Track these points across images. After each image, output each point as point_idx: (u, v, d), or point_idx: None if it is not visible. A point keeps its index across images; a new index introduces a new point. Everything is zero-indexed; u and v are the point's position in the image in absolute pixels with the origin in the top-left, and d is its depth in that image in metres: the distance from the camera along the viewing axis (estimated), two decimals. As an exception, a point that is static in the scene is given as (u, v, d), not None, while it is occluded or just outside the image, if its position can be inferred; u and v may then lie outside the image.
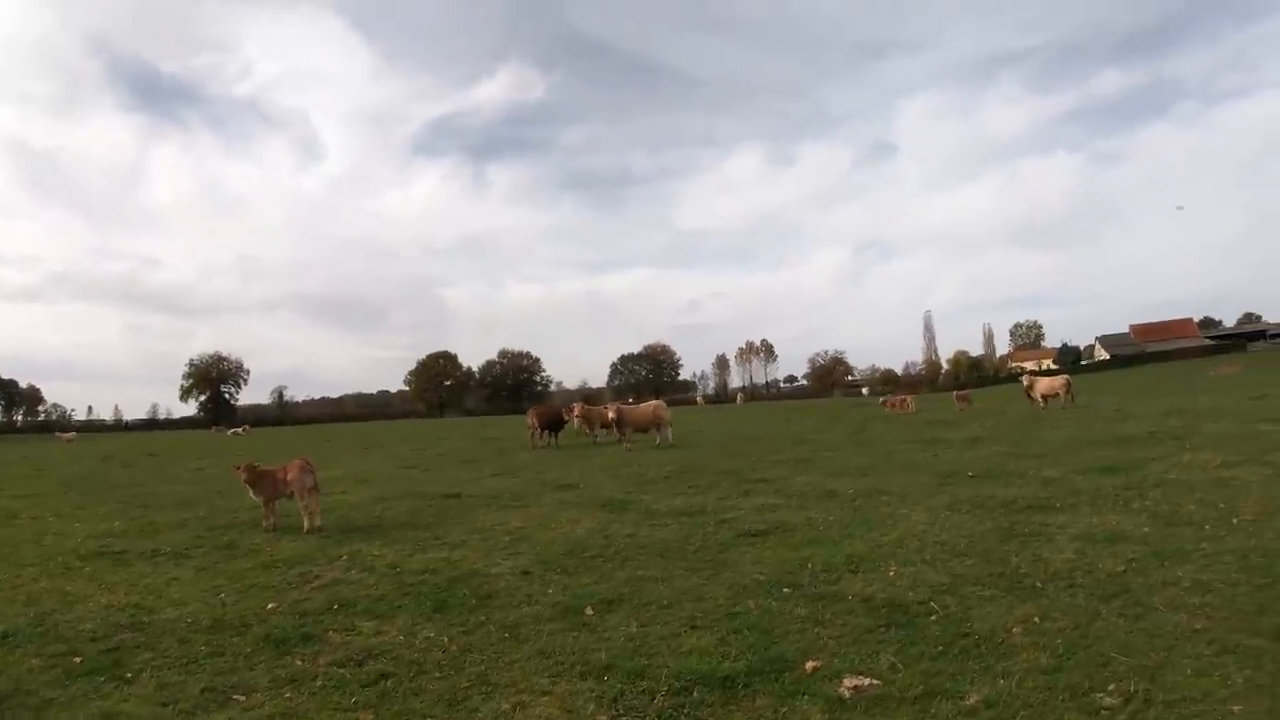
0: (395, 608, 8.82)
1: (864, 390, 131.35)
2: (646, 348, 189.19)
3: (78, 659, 7.51)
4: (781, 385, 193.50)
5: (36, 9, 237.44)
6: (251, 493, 14.47)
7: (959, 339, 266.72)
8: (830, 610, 7.85)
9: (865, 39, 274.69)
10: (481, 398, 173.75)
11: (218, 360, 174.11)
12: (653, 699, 6.03)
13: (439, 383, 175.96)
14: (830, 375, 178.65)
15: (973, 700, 5.63)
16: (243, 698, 6.45)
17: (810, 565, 9.62)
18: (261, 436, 78.58)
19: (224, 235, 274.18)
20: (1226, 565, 8.46)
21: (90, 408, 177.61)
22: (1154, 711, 5.32)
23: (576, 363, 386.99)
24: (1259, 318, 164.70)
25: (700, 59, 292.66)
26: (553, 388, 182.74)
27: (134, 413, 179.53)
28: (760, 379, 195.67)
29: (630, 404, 36.81)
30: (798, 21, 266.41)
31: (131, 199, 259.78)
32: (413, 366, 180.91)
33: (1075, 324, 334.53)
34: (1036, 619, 7.17)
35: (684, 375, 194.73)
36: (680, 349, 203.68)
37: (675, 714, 5.81)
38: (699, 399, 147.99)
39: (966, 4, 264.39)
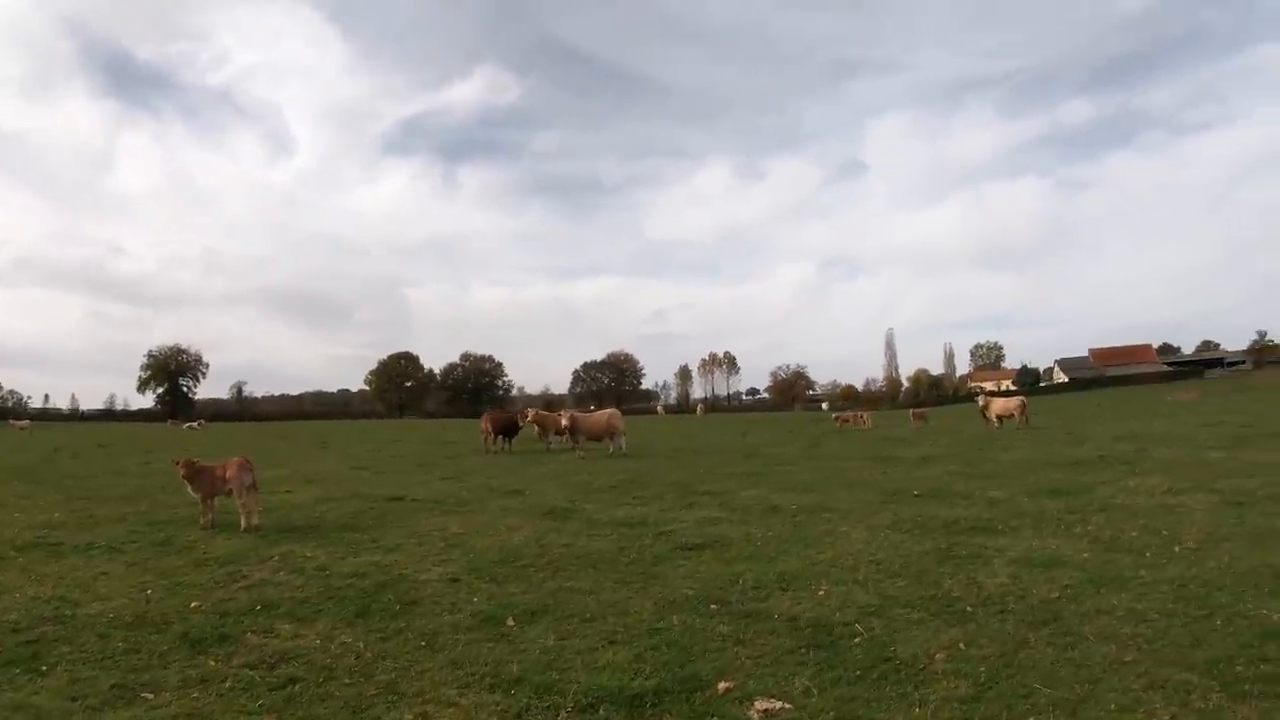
0: (317, 611, 8.70)
1: (824, 405, 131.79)
2: (610, 356, 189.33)
3: (-3, 649, 7.41)
4: (743, 398, 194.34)
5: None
6: (190, 489, 14.28)
7: (920, 358, 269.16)
8: (754, 629, 7.70)
9: (838, 57, 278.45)
10: (442, 400, 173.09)
11: (177, 352, 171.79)
12: (557, 715, 5.90)
13: (400, 384, 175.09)
14: (792, 389, 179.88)
15: (884, 729, 5.47)
16: (151, 696, 6.36)
17: (741, 581, 9.49)
18: (217, 432, 77.77)
19: (190, 226, 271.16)
20: (1163, 594, 8.34)
21: (47, 396, 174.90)
22: (1069, 747, 5.18)
23: (539, 369, 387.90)
24: (1217, 345, 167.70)
25: (675, 70, 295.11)
26: (515, 393, 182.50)
27: (91, 403, 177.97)
28: (722, 391, 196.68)
29: (592, 411, 36.59)
30: (773, 38, 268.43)
31: (99, 185, 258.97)
32: (374, 366, 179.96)
33: (1035, 346, 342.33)
34: (962, 645, 7.01)
35: (646, 385, 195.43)
36: (644, 358, 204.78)
37: (578, 732, 5.63)
38: (660, 409, 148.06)
39: (940, 28, 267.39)
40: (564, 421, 31.07)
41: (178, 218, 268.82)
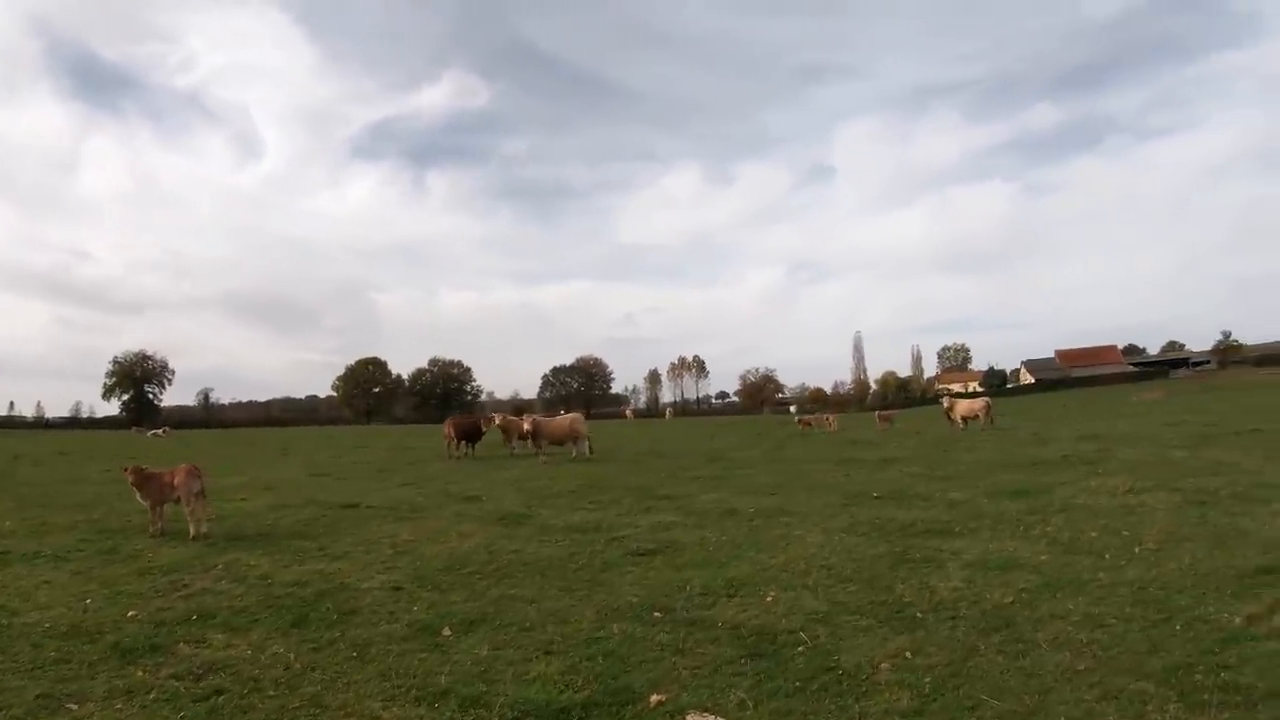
0: (253, 621, 8.50)
1: (792, 409, 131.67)
2: (579, 360, 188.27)
3: (-68, 660, 7.31)
4: (712, 401, 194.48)
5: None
6: (138, 495, 13.94)
7: (888, 360, 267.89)
8: (695, 638, 7.46)
9: (806, 63, 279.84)
10: (410, 406, 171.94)
11: (142, 359, 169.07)
12: (480, 729, 5.63)
13: (367, 389, 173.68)
14: (760, 393, 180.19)
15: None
16: (75, 706, 6.22)
17: (689, 588, 9.26)
18: (181, 439, 76.77)
19: (156, 230, 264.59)
20: (1121, 599, 8.13)
21: (12, 403, 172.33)
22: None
23: (509, 373, 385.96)
24: (1182, 346, 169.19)
25: (644, 75, 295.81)
26: (483, 398, 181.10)
27: (56, 410, 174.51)
28: (691, 395, 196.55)
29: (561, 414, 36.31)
30: (741, 43, 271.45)
31: (64, 188, 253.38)
32: (341, 372, 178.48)
33: (1002, 348, 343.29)
34: (909, 654, 6.76)
35: (616, 389, 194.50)
36: (613, 362, 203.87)
37: (501, 746, 5.41)
38: (628, 413, 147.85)
39: (907, 34, 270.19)
40: (526, 426, 30.78)
41: (143, 221, 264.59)
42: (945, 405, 42.24)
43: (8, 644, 7.73)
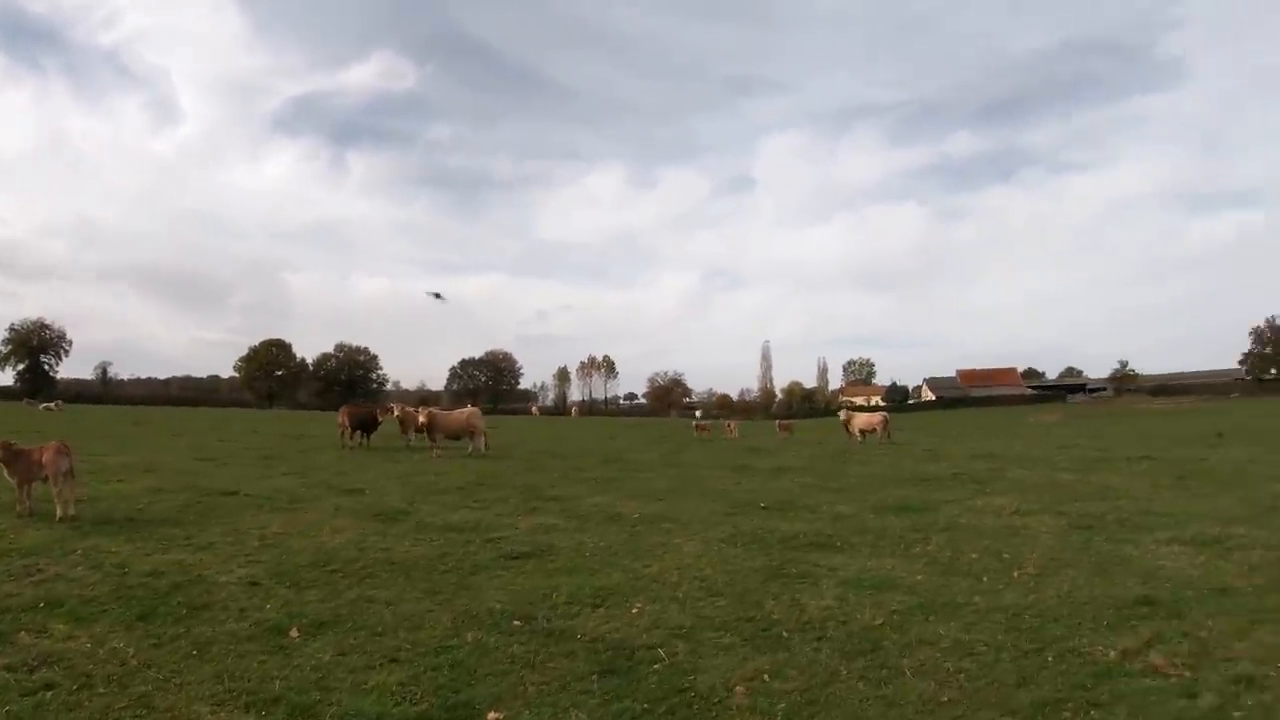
0: (101, 611, 8.10)
1: (698, 413, 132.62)
2: (488, 354, 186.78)
3: None
4: (621, 402, 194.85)
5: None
6: (5, 472, 13.26)
7: (795, 370, 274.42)
8: (550, 650, 7.15)
9: (737, 74, 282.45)
10: (314, 391, 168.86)
11: (40, 327, 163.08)
12: (306, 741, 5.30)
13: (270, 372, 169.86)
14: (668, 396, 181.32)
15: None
16: None
17: (555, 595, 8.96)
18: (72, 414, 74.44)
19: (65, 194, 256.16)
20: (995, 624, 7.93)
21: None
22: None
23: (417, 364, 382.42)
24: (1080, 372, 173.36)
25: (576, 73, 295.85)
26: (389, 387, 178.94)
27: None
28: (600, 394, 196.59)
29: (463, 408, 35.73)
30: (674, 49, 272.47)
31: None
32: (245, 353, 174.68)
33: (906, 365, 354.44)
34: (767, 676, 6.49)
35: (525, 385, 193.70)
36: (523, 358, 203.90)
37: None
38: (535, 410, 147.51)
39: (836, 54, 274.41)
40: (421, 419, 30.27)
41: (52, 184, 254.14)
42: (843, 417, 42.49)
43: None
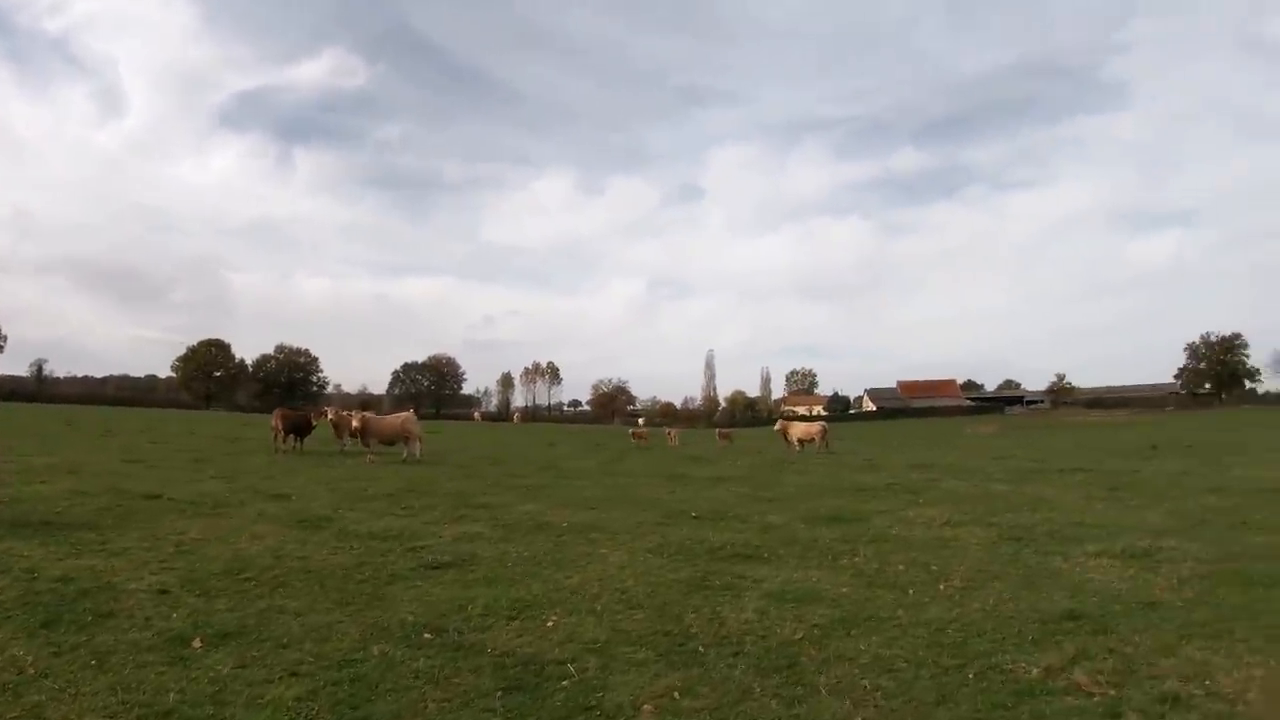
0: (5, 618, 7.91)
1: (641, 421, 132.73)
2: (431, 358, 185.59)
3: None
4: (564, 408, 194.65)
5: None
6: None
7: (739, 380, 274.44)
8: (457, 664, 6.90)
9: (688, 84, 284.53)
10: (253, 393, 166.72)
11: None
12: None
13: (208, 373, 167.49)
14: (612, 403, 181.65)
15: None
16: None
17: (470, 607, 8.68)
18: (4, 412, 72.73)
19: (3, 183, 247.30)
20: (917, 639, 7.76)
21: None
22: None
23: (359, 367, 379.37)
24: (1018, 385, 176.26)
25: (527, 77, 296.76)
26: (330, 389, 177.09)
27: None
28: (544, 400, 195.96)
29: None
30: (627, 57, 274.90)
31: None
32: (183, 352, 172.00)
33: (848, 375, 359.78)
34: (677, 694, 6.29)
35: (468, 390, 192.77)
36: (467, 363, 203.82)
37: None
38: (477, 415, 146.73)
39: (786, 68, 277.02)
40: (354, 423, 29.83)
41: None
42: (778, 427, 42.57)
43: None
